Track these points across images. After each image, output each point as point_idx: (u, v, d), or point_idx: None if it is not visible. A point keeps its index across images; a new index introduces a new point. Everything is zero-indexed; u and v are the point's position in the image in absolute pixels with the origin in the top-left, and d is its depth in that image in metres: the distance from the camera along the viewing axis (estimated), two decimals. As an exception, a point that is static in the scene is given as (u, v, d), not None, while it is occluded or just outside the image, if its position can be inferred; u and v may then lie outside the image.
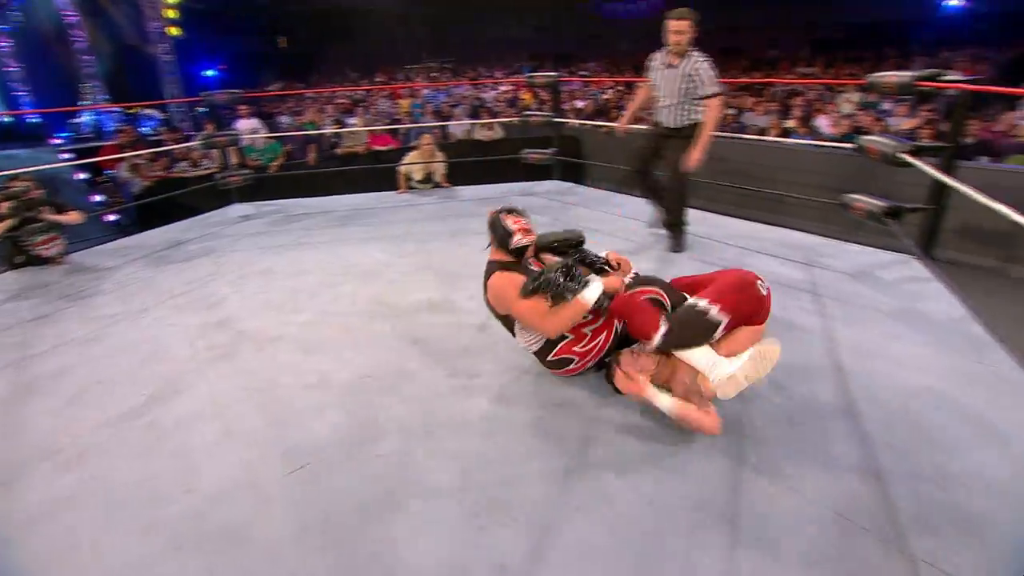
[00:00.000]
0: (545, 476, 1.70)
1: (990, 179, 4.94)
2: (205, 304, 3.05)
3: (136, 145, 7.12)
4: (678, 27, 3.15)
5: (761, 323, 1.91)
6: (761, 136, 6.77)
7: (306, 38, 18.97)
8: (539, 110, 6.30)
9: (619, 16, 17.88)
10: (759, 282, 1.91)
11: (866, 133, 5.98)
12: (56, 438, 1.98)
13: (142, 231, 4.71)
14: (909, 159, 2.88)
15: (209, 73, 17.31)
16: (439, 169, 5.55)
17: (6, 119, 12.51)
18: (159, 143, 7.47)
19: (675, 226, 3.57)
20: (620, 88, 9.53)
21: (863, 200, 3.20)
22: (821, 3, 14.31)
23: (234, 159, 5.74)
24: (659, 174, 3.60)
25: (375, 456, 1.82)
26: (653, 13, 17.13)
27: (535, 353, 2.14)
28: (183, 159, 6.76)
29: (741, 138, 6.28)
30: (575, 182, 5.55)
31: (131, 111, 9.61)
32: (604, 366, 2.06)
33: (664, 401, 1.79)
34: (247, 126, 7.02)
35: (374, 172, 6.26)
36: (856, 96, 7.44)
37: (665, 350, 1.89)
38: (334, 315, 2.86)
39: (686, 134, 3.28)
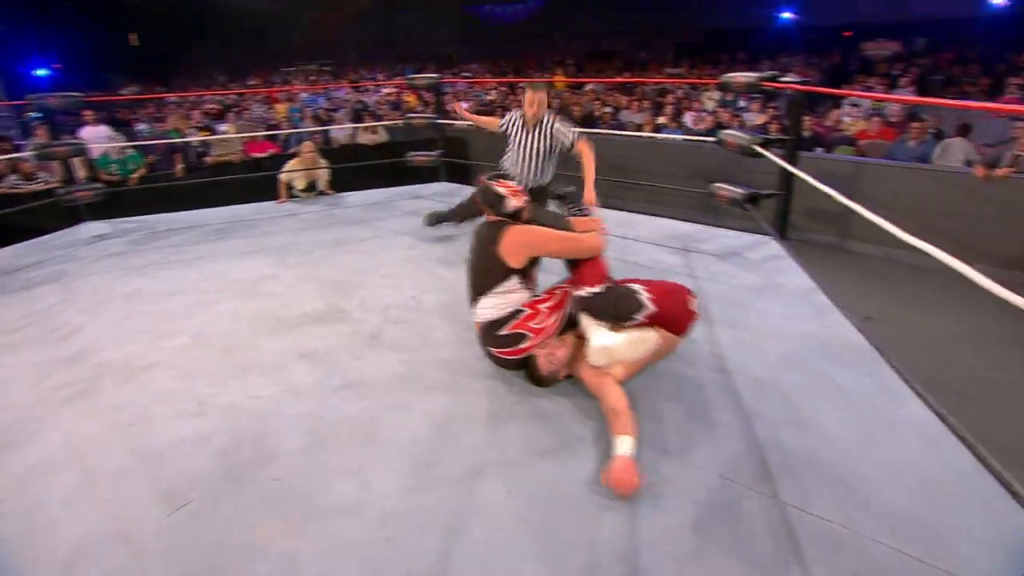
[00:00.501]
0: (447, 479, 1.68)
1: (824, 167, 5.66)
2: (53, 337, 2.68)
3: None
4: (534, 99, 3.25)
5: (678, 333, 2.03)
6: (638, 132, 7.21)
7: (167, 36, 17.29)
8: (423, 112, 6.24)
9: (497, 18, 18.20)
10: (693, 299, 2.05)
11: (726, 128, 6.65)
12: None
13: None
14: (760, 150, 3.21)
15: (41, 73, 15.23)
16: (322, 176, 5.31)
17: None
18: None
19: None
20: (503, 89, 9.71)
21: (726, 188, 3.53)
22: (683, 10, 15.58)
23: (81, 171, 5.09)
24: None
25: (269, 480, 1.71)
26: (530, 16, 17.67)
27: (487, 326, 2.10)
28: (11, 173, 5.88)
29: (619, 135, 6.66)
30: (463, 183, 5.57)
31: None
32: (528, 363, 2.07)
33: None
34: (95, 134, 6.27)
35: (252, 181, 5.86)
36: (717, 94, 8.19)
37: (587, 309, 2.02)
38: (213, 335, 2.64)
39: (536, 195, 3.39)
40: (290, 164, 5.26)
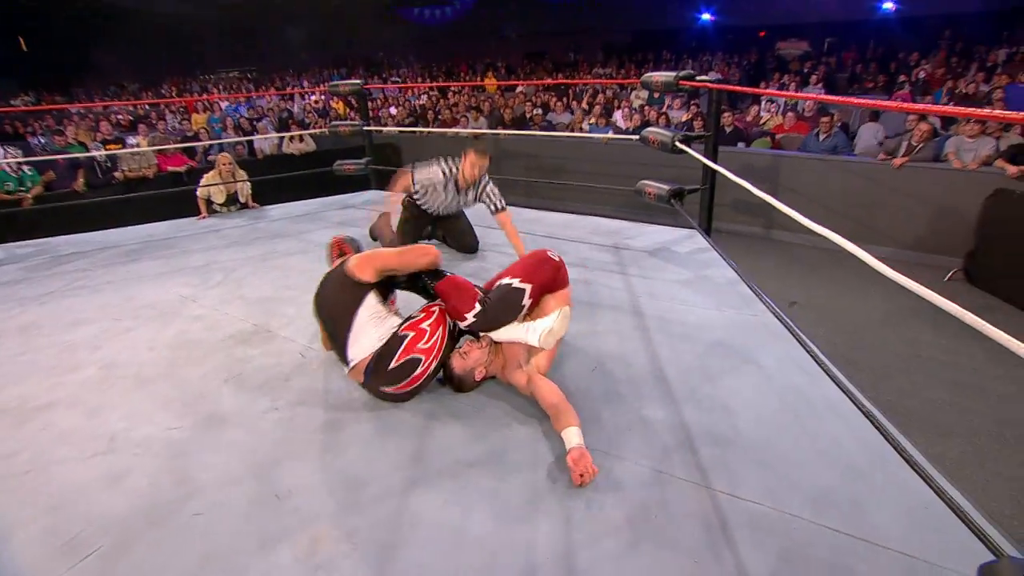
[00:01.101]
0: (380, 498, 1.64)
1: (745, 160, 5.98)
2: (-65, 379, 2.43)
3: None
4: (478, 163, 3.25)
5: (562, 288, 2.18)
6: (568, 133, 7.35)
7: (67, 41, 16.09)
8: (353, 119, 6.11)
9: (428, 20, 18.11)
10: (550, 252, 2.20)
11: (652, 125, 6.88)
12: None
13: None
14: (682, 147, 3.34)
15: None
16: (243, 189, 5.10)
17: None
18: None
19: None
20: (434, 93, 9.66)
21: (652, 185, 3.65)
22: (611, 11, 16.05)
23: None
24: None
25: (191, 516, 1.61)
26: (461, 18, 17.68)
27: (373, 362, 1.97)
28: None
29: (549, 135, 6.76)
30: (394, 190, 5.49)
31: None
32: (444, 369, 2.08)
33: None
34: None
35: (168, 197, 5.54)
36: (644, 93, 8.46)
37: (482, 328, 2.05)
38: (126, 366, 2.47)
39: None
40: (207, 177, 5.02)
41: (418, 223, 3.62)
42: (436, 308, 2.10)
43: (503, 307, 2.05)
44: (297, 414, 2.05)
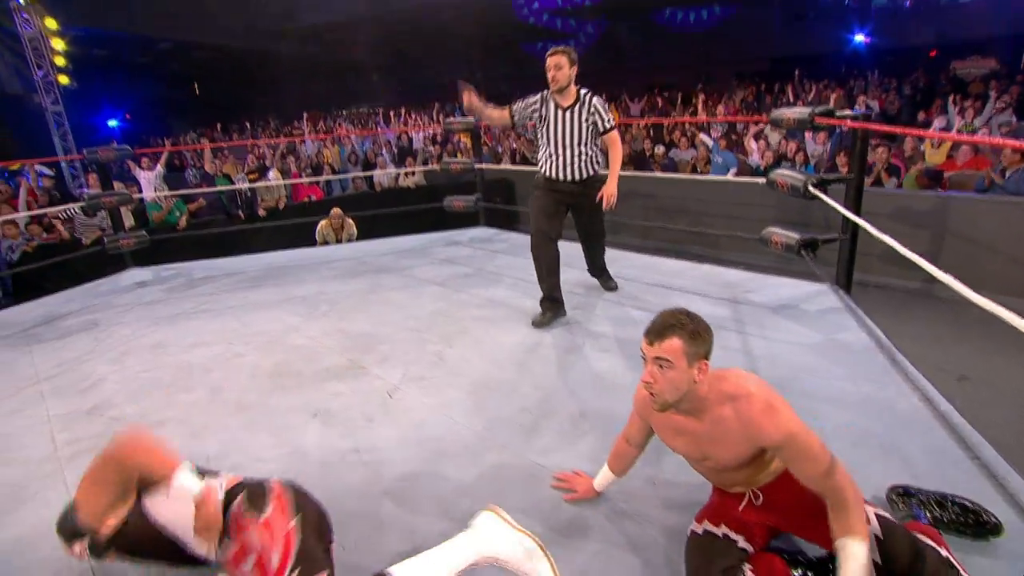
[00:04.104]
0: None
1: (901, 203, 5.35)
2: (77, 388, 2.83)
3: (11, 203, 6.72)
4: (552, 62, 3.01)
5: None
6: (689, 175, 7.11)
7: (223, 84, 18.81)
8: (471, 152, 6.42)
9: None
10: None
11: (788, 160, 6.45)
12: None
13: (16, 304, 4.41)
14: (816, 192, 3.07)
15: (113, 123, 16.83)
16: (349, 231, 5.96)
17: None
18: (38, 204, 7.09)
19: (604, 267, 3.74)
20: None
21: (780, 233, 3.38)
22: (745, 39, 15.59)
23: (128, 220, 5.49)
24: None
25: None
26: (585, 50, 18.09)
27: None
28: (70, 220, 6.43)
29: (670, 177, 6.58)
30: (504, 228, 5.61)
31: (11, 169, 9.11)
32: None
33: None
34: (148, 177, 6.81)
35: (296, 227, 6.16)
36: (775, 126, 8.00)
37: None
38: (230, 391, 2.71)
39: (597, 185, 3.19)
40: (321, 226, 5.67)
41: (554, 200, 3.25)
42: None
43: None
44: (373, 460, 2.10)
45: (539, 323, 3.16)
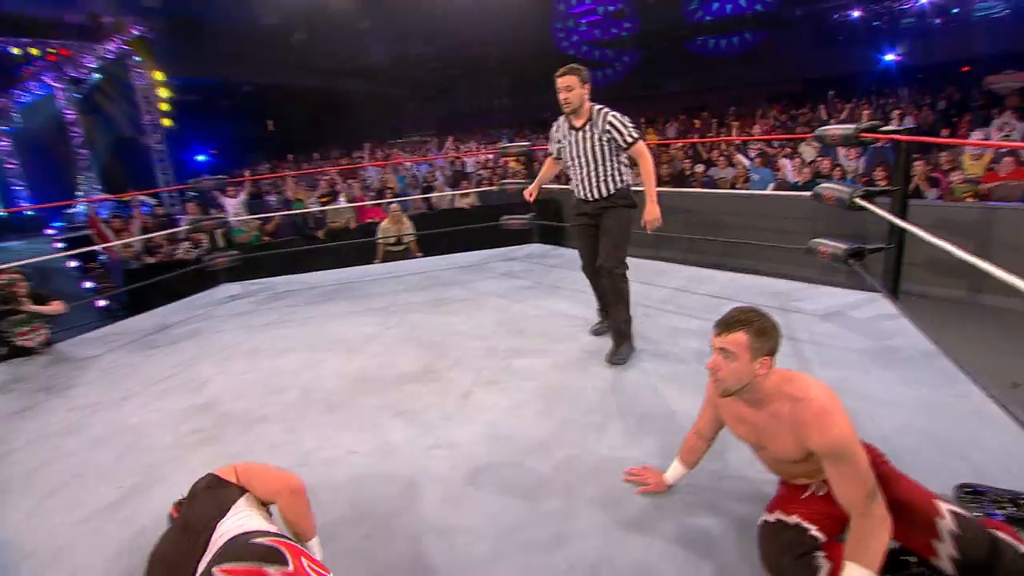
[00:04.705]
0: (530, 545, 1.65)
1: (943, 215, 5.13)
2: (190, 388, 3.01)
3: (128, 229, 7.22)
4: (563, 83, 2.76)
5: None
6: (729, 190, 7.01)
7: (292, 120, 19.69)
8: (522, 175, 6.51)
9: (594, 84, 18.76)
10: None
11: (826, 177, 6.27)
12: (31, 538, 1.90)
13: (132, 315, 4.71)
14: (863, 203, 2.99)
15: (201, 158, 17.79)
16: (406, 233, 6.23)
17: (2, 214, 12.79)
18: (147, 229, 7.58)
19: (623, 329, 2.89)
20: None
21: (827, 244, 3.30)
22: (778, 61, 15.28)
23: (221, 241, 5.81)
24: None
25: (361, 538, 1.76)
26: (622, 78, 18.09)
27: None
28: (175, 243, 6.84)
29: (712, 192, 6.50)
30: (555, 244, 5.67)
31: (124, 200, 9.79)
32: None
33: None
34: (234, 204, 7.17)
35: (361, 246, 6.39)
36: (816, 143, 7.79)
37: None
38: (319, 392, 2.83)
39: (619, 202, 2.87)
40: (382, 225, 6.10)
41: (583, 224, 3.03)
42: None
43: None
44: (455, 455, 2.16)
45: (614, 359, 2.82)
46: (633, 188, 2.93)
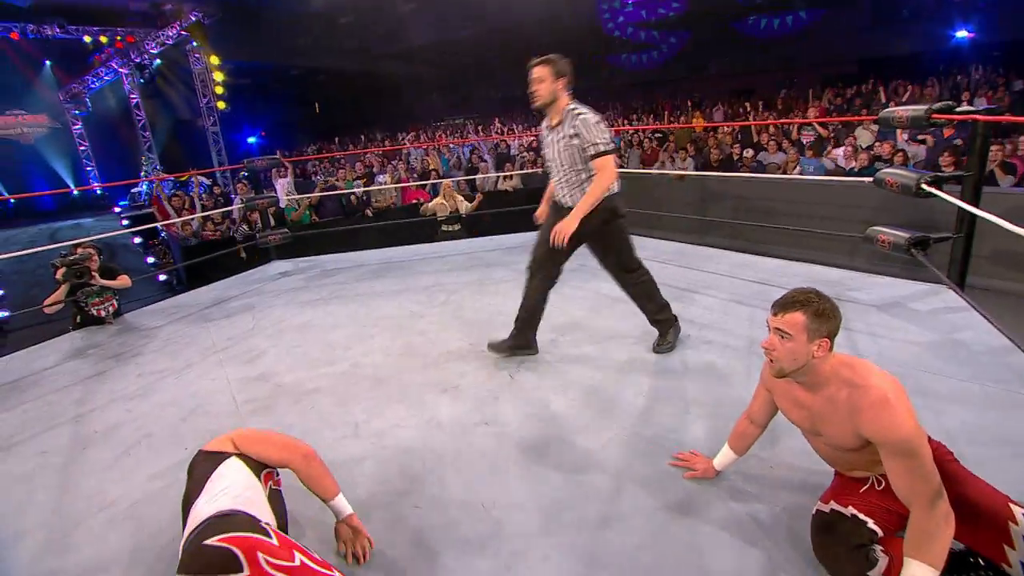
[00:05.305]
0: (577, 524, 1.65)
1: (1018, 202, 4.79)
2: (246, 358, 3.13)
3: (190, 209, 7.53)
4: (534, 74, 2.45)
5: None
6: (779, 175, 6.74)
7: (338, 103, 20.00)
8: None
9: (634, 67, 18.34)
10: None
11: (886, 162, 5.94)
12: (110, 490, 2.03)
13: (190, 289, 4.92)
14: (931, 190, 2.82)
15: (251, 140, 18.33)
16: (463, 206, 6.34)
17: (75, 192, 13.58)
18: (204, 207, 7.88)
19: (659, 319, 2.75)
20: (636, 131, 9.69)
21: (888, 232, 3.13)
22: (832, 41, 14.50)
23: (272, 220, 5.97)
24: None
25: (411, 508, 1.80)
26: (667, 60, 17.56)
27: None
28: (230, 221, 7.09)
29: (759, 177, 6.28)
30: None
31: (182, 179, 10.20)
32: None
33: None
34: (284, 185, 7.36)
35: (406, 226, 6.46)
36: (874, 126, 7.38)
37: None
38: (367, 366, 2.89)
39: (595, 216, 2.49)
40: (435, 201, 6.38)
41: (551, 223, 2.62)
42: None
43: None
44: (502, 432, 2.18)
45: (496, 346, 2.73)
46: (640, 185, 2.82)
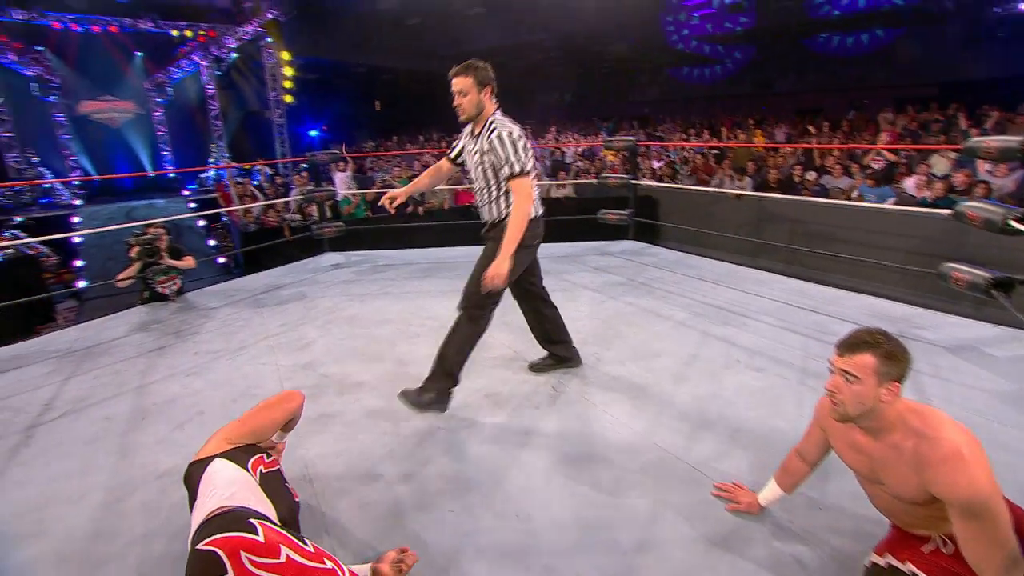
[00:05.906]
0: (610, 545, 1.62)
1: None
2: (295, 346, 3.23)
3: (251, 197, 7.88)
4: (457, 86, 2.25)
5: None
6: (843, 201, 6.45)
7: (399, 102, 20.49)
8: (616, 169, 6.37)
9: (696, 81, 18.01)
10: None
11: (963, 194, 5.58)
12: (164, 461, 2.13)
13: (247, 274, 5.13)
14: (1018, 226, 2.63)
15: (313, 133, 19.00)
16: None
17: (152, 175, 14.53)
18: (267, 196, 8.23)
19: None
20: (697, 151, 9.49)
21: (964, 270, 2.93)
22: (909, 63, 13.80)
23: (328, 212, 6.17)
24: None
25: (447, 512, 1.81)
26: (730, 76, 17.15)
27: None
28: (285, 211, 7.36)
29: (821, 202, 6.03)
30: (649, 242, 5.50)
31: (247, 168, 10.69)
32: None
33: None
34: (343, 179, 7.59)
35: (458, 227, 6.52)
36: (952, 154, 6.96)
37: None
38: (411, 364, 2.92)
39: (500, 234, 2.31)
40: None
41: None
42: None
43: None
44: (544, 444, 2.16)
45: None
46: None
